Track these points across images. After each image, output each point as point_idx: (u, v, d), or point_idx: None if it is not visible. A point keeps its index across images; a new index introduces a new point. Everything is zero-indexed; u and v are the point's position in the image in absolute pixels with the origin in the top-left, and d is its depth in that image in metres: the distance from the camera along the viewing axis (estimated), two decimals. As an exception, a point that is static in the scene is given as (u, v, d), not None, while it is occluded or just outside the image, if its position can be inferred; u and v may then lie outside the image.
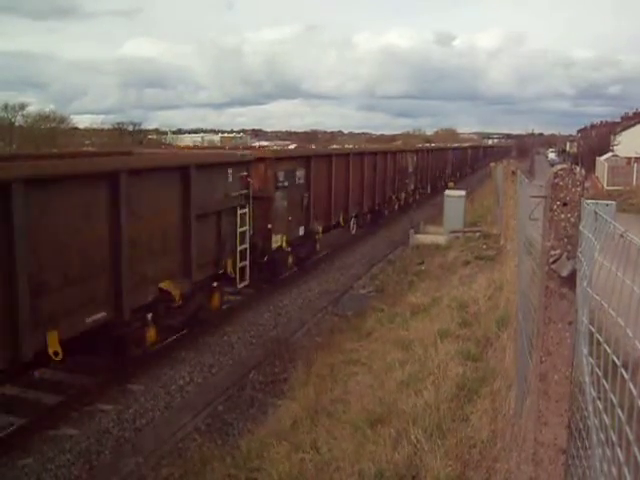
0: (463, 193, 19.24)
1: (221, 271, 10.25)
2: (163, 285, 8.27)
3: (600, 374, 1.51)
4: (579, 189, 2.10)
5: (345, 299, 13.09)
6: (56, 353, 6.38)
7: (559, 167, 2.16)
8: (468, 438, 4.45)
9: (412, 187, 27.34)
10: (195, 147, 33.93)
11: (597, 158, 43.12)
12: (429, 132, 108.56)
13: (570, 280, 2.08)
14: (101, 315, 7.13)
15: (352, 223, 18.74)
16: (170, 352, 9.31)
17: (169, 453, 6.57)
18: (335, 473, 4.62)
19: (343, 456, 4.80)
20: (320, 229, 15.32)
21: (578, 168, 2.17)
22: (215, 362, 9.24)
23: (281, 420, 6.44)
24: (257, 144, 46.77)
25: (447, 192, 19.79)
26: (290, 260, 14.01)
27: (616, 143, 46.72)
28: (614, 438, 1.35)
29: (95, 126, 65.92)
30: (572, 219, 2.09)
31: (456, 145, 49.99)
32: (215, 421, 7.43)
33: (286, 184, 13.16)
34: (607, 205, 10.26)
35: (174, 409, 7.71)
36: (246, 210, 10.89)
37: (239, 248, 10.72)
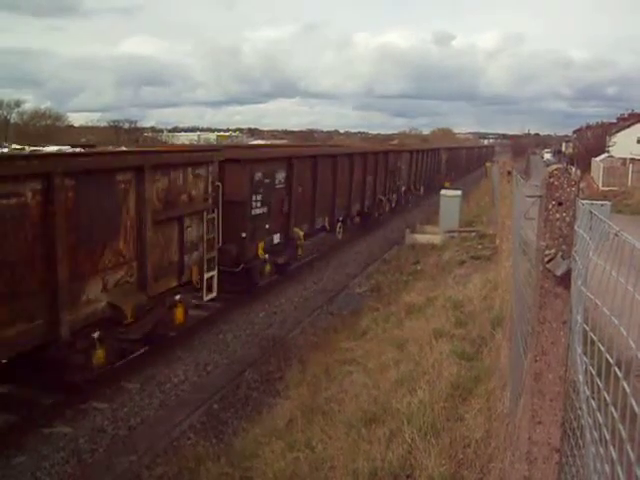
0: (459, 193, 19.28)
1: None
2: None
3: (594, 373, 1.51)
4: (574, 189, 2.10)
5: (341, 298, 13.10)
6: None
7: (554, 167, 2.16)
8: (462, 437, 4.45)
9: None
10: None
11: (592, 159, 43.25)
12: (426, 132, 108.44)
13: (565, 279, 2.09)
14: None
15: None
16: (165, 350, 9.29)
17: (164, 451, 6.56)
18: (330, 472, 4.63)
19: (338, 455, 4.81)
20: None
21: (573, 168, 2.17)
22: (210, 360, 9.23)
23: (276, 419, 6.44)
24: (254, 142, 46.54)
25: (443, 192, 19.82)
26: (268, 268, 12.86)
27: (611, 144, 46.88)
28: (607, 436, 1.36)
29: (91, 124, 65.84)
30: (567, 219, 2.10)
31: (414, 148, 30.84)
32: (210, 420, 7.42)
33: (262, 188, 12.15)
34: (602, 205, 10.30)
35: (169, 407, 7.70)
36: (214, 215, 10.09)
37: (206, 257, 9.82)
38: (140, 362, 8.82)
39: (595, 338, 1.55)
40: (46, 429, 6.88)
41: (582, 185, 32.10)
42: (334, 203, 16.92)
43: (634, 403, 1.18)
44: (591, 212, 1.89)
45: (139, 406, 7.64)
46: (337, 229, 17.73)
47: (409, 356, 6.75)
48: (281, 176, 13.15)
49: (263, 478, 4.98)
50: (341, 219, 17.85)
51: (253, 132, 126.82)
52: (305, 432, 5.57)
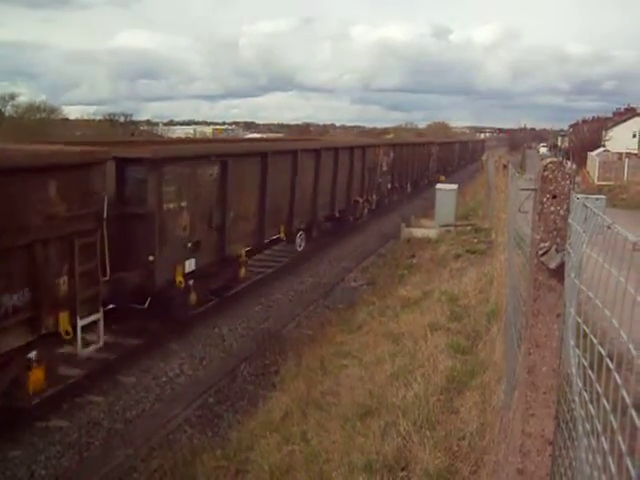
0: (454, 187, 19.26)
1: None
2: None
3: (586, 365, 1.52)
4: (568, 182, 2.10)
5: (336, 292, 13.11)
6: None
7: (549, 160, 2.16)
8: (457, 430, 4.47)
9: None
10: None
11: (588, 153, 43.30)
12: (422, 126, 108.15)
13: (559, 272, 2.09)
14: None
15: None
16: (160, 344, 9.29)
17: (159, 445, 6.57)
18: (325, 465, 4.64)
19: (333, 448, 4.82)
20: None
21: (568, 162, 2.18)
22: (206, 354, 9.23)
23: (271, 412, 6.45)
24: (249, 136, 46.41)
25: (438, 185, 19.81)
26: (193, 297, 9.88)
27: (607, 138, 46.97)
28: (599, 428, 1.36)
29: (86, 117, 65.53)
30: (561, 212, 2.10)
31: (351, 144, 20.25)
32: (205, 413, 7.43)
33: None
34: (597, 200, 10.30)
35: (165, 401, 7.70)
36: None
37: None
38: (135, 355, 8.81)
39: (587, 331, 1.56)
40: (41, 422, 6.87)
41: (577, 179, 32.15)
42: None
43: (625, 395, 1.18)
44: (585, 205, 1.90)
45: (135, 399, 7.64)
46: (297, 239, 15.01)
47: (404, 349, 6.77)
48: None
49: (259, 471, 4.99)
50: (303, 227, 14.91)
51: (249, 125, 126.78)
52: (300, 425, 5.59)
